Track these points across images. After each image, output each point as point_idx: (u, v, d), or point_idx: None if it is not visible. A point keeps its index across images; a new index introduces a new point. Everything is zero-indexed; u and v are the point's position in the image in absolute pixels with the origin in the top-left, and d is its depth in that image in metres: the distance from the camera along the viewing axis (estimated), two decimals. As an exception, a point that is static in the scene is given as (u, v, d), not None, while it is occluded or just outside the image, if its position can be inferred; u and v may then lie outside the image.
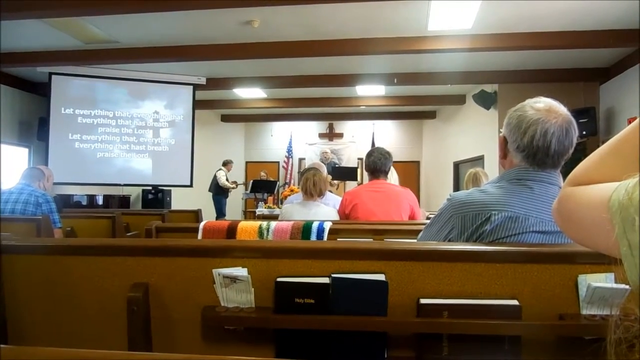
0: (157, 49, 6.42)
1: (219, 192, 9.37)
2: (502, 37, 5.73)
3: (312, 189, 3.20)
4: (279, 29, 5.70)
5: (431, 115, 11.35)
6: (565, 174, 1.29)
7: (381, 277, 1.22)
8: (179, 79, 7.99)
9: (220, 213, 9.30)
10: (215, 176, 9.38)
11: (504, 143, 1.45)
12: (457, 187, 9.72)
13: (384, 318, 1.20)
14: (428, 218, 3.10)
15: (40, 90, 8.10)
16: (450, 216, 1.39)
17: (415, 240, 1.63)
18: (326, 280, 1.23)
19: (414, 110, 11.14)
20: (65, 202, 7.33)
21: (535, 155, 1.35)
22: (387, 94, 9.29)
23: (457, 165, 9.91)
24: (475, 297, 1.21)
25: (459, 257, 1.24)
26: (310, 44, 6.09)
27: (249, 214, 9.82)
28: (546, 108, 1.36)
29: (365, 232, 2.28)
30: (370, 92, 9.02)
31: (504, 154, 1.46)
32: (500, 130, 1.50)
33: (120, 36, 6.07)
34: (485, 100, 8.01)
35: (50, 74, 7.44)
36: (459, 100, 9.55)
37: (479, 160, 8.53)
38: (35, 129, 8.06)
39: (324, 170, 4.48)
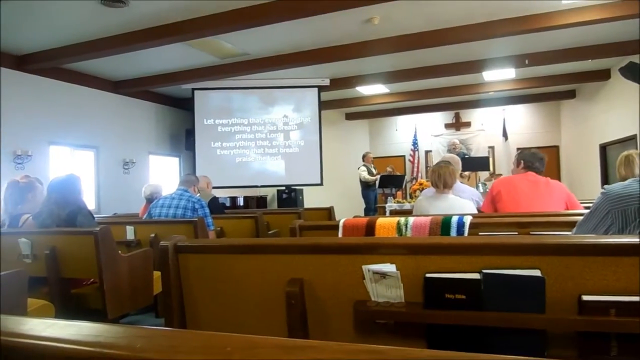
0: (283, 56, 6.79)
1: (365, 187, 9.51)
2: (655, 0, 5.05)
3: (437, 180, 3.16)
4: (399, 22, 5.67)
5: (570, 95, 10.38)
6: None
7: (536, 272, 1.18)
8: (305, 82, 8.35)
9: (368, 208, 9.40)
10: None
11: None
12: (605, 172, 8.77)
13: (542, 315, 1.15)
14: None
15: (185, 105, 9.04)
16: (608, 211, 1.28)
17: (568, 234, 1.54)
18: (476, 276, 1.22)
19: (549, 92, 10.28)
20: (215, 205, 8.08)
21: None
22: (518, 76, 8.71)
23: (603, 148, 8.94)
24: (647, 294, 1.11)
25: (625, 250, 1.15)
26: (431, 34, 5.97)
27: (379, 209, 9.90)
28: None
29: (508, 225, 2.18)
30: (498, 76, 8.55)
31: None
32: None
33: (250, 48, 6.53)
34: (635, 74, 7.09)
35: (193, 89, 8.28)
36: (603, 75, 8.59)
37: (630, 140, 7.61)
38: (183, 140, 9.03)
39: (459, 163, 4.30)
